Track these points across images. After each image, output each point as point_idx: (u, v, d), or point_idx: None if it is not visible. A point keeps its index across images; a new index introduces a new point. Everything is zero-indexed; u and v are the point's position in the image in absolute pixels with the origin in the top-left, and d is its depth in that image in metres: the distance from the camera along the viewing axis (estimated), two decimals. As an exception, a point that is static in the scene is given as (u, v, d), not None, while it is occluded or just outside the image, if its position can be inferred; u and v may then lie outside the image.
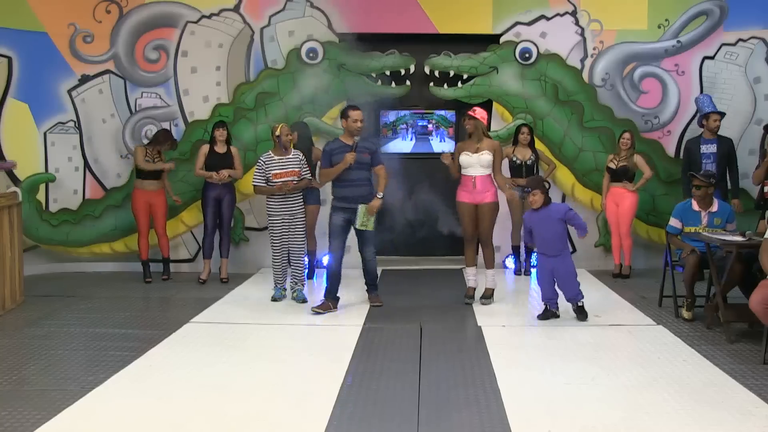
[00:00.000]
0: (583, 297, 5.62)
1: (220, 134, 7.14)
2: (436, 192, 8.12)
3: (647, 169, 7.28)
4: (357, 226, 5.92)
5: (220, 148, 7.17)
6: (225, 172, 7.09)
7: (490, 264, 6.20)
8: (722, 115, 7.21)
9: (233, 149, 7.25)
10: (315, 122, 7.69)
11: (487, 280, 6.24)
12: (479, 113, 6.12)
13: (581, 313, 5.60)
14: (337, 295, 6.08)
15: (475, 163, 6.03)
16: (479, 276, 6.30)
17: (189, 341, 5.18)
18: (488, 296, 6.23)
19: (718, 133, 7.19)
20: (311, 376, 4.41)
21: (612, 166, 7.31)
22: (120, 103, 7.92)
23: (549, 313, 5.66)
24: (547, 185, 5.73)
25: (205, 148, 7.19)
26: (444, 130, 8.35)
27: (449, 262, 8.13)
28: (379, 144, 5.94)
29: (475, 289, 6.28)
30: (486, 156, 6.00)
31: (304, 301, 6.30)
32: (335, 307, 6.02)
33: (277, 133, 6.26)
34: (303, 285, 6.46)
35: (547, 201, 5.63)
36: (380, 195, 5.92)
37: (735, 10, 7.83)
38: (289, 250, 6.47)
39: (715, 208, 5.70)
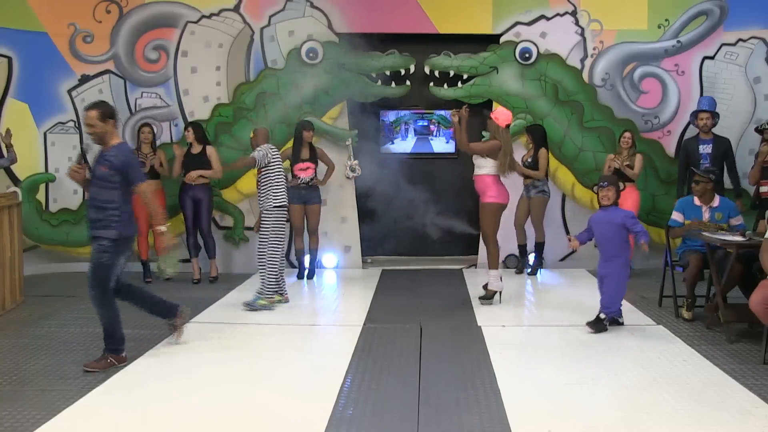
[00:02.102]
0: (611, 313, 5.34)
1: (188, 135, 7.22)
2: (436, 192, 8.14)
3: (637, 170, 7.22)
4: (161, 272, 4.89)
5: (195, 149, 7.22)
6: (194, 174, 7.16)
7: (491, 264, 6.17)
8: (713, 114, 7.12)
9: (209, 149, 7.24)
10: (315, 122, 7.68)
11: (489, 281, 6.21)
12: (496, 113, 6.17)
13: (595, 324, 5.32)
14: (122, 350, 4.68)
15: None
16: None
17: (188, 341, 5.18)
18: (487, 297, 6.19)
19: (715, 133, 7.18)
20: (311, 376, 4.41)
21: (615, 165, 7.30)
22: (120, 103, 7.92)
23: (611, 320, 5.46)
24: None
25: (184, 149, 7.29)
26: (444, 131, 8.35)
27: (449, 262, 8.13)
28: (130, 156, 4.61)
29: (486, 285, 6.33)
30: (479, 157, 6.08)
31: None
32: (118, 361, 4.62)
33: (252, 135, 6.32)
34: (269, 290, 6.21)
35: (616, 201, 5.42)
36: (161, 229, 4.61)
37: (735, 10, 7.84)
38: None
39: (716, 203, 5.72)
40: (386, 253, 8.36)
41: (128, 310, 6.10)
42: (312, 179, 7.31)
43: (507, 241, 7.77)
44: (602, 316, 5.33)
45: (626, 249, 5.40)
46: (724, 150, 7.10)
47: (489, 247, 6.15)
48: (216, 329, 5.49)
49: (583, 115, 7.86)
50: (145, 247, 7.42)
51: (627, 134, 7.30)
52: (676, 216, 5.79)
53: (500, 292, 6.23)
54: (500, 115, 6.16)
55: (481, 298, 6.24)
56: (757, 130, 7.15)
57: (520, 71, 7.85)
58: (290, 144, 7.44)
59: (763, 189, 6.67)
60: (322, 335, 5.43)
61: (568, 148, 7.90)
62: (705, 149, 7.12)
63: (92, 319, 5.78)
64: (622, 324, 5.50)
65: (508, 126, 6.15)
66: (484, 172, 6.07)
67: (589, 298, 5.85)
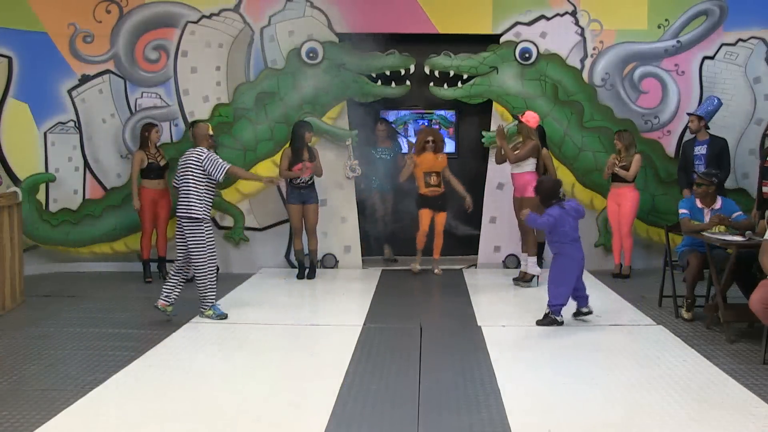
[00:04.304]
0: (550, 307, 5.43)
1: (190, 135, 7.19)
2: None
3: (632, 171, 7.18)
4: None
5: None
6: None
7: (529, 252, 6.92)
8: (699, 117, 7.06)
9: None
10: (315, 122, 7.68)
11: (528, 266, 6.95)
12: (526, 117, 6.74)
13: (543, 318, 5.49)
14: None
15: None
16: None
17: (189, 341, 5.18)
18: (525, 279, 6.91)
19: (712, 134, 7.16)
20: (311, 376, 4.41)
21: (612, 168, 7.27)
22: (120, 102, 7.92)
23: (577, 312, 5.63)
24: None
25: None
26: (444, 131, 8.34)
27: (449, 262, 8.12)
28: None
29: (524, 273, 7.00)
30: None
31: (223, 317, 5.73)
32: None
33: (211, 132, 5.86)
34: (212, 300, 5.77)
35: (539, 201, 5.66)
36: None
37: (735, 10, 7.83)
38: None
39: (718, 205, 5.69)
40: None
41: (128, 311, 6.12)
42: (311, 179, 7.31)
43: (508, 242, 7.80)
44: (546, 311, 5.51)
45: (554, 247, 5.54)
46: (718, 151, 7.04)
47: (527, 237, 6.88)
48: (216, 329, 5.49)
49: (583, 115, 7.85)
50: (147, 247, 7.41)
51: (615, 137, 7.32)
52: (684, 211, 5.74)
53: (537, 277, 6.86)
54: (530, 118, 6.76)
55: (519, 280, 6.93)
56: None
57: (520, 71, 7.85)
58: (287, 145, 7.42)
59: (765, 189, 6.65)
60: (322, 335, 5.43)
61: (568, 148, 7.90)
62: (699, 150, 7.10)
63: (92, 319, 5.82)
64: (586, 313, 5.60)
65: (537, 127, 6.79)
66: (526, 169, 6.75)
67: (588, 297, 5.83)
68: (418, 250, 7.52)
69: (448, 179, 7.41)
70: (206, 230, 5.64)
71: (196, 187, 5.61)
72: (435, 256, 7.58)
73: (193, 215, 5.57)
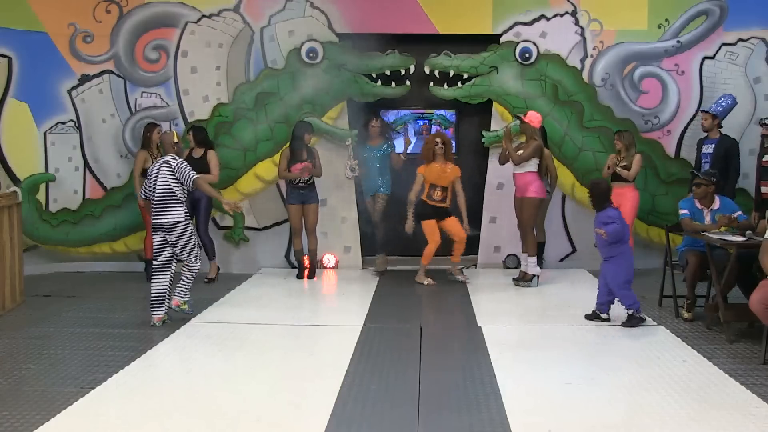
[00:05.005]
0: (631, 308, 5.41)
1: (189, 138, 7.26)
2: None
3: (633, 171, 7.16)
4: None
5: (196, 152, 7.21)
6: None
7: (529, 252, 6.89)
8: (712, 115, 7.00)
9: (210, 153, 7.19)
10: (315, 122, 7.68)
11: (528, 266, 6.93)
12: (529, 117, 6.79)
13: (628, 321, 5.43)
14: None
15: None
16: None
17: (189, 341, 5.19)
18: (525, 280, 6.91)
19: (723, 133, 7.14)
20: (311, 376, 4.41)
21: (613, 167, 7.26)
22: (120, 102, 7.92)
23: (593, 315, 5.61)
24: None
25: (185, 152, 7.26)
26: (444, 131, 8.33)
27: (449, 263, 8.11)
28: None
29: (524, 273, 7.00)
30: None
31: (190, 314, 5.80)
32: None
33: (176, 140, 5.91)
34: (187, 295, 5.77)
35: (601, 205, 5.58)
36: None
37: (735, 10, 7.83)
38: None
39: (716, 205, 5.69)
40: (387, 253, 8.33)
41: (128, 311, 6.13)
42: (311, 179, 7.32)
43: (508, 242, 7.79)
44: (629, 312, 5.45)
45: (617, 246, 5.46)
46: (725, 151, 6.97)
47: (527, 237, 6.89)
48: (216, 329, 5.49)
49: (583, 115, 7.85)
50: (151, 247, 7.39)
51: (615, 137, 7.27)
52: (684, 211, 5.72)
53: (538, 277, 6.88)
54: (534, 118, 6.82)
55: (519, 280, 6.94)
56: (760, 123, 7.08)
57: (520, 71, 7.85)
58: (287, 145, 7.41)
59: (764, 189, 6.64)
60: (322, 335, 5.43)
61: (568, 148, 7.90)
62: (707, 149, 7.09)
63: (92, 319, 5.82)
64: (606, 320, 5.53)
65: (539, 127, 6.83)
66: (528, 169, 6.77)
67: (588, 298, 5.84)
68: (422, 265, 7.13)
69: (458, 193, 7.09)
70: (192, 228, 5.76)
71: (172, 192, 5.63)
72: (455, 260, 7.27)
73: (178, 219, 5.60)
